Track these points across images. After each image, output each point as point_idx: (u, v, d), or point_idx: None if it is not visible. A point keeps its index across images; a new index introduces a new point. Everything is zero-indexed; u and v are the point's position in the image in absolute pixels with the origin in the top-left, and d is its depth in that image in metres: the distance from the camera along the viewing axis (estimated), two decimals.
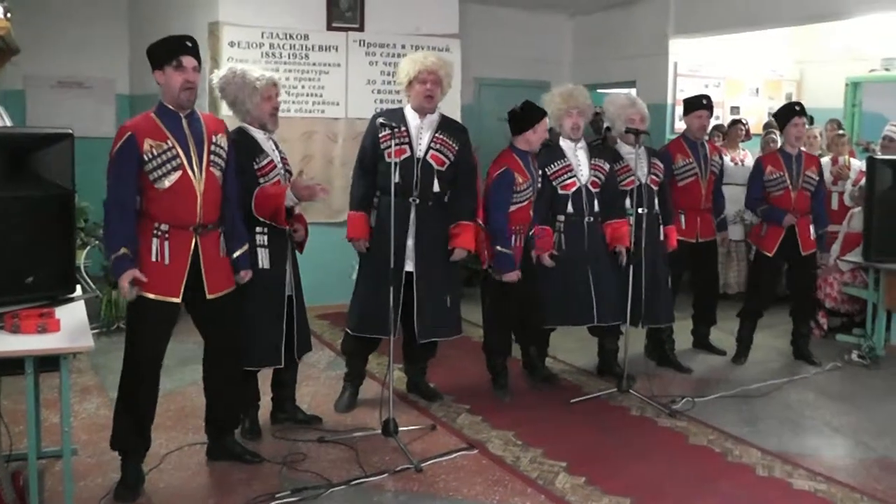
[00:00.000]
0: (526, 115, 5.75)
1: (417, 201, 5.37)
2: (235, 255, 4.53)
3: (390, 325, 5.17)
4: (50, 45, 9.24)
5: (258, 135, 4.94)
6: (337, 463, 4.81)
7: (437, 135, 5.44)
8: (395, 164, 5.11)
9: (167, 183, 4.18)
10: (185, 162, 4.22)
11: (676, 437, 5.34)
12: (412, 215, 5.36)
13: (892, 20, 8.62)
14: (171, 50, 4.21)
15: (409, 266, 5.39)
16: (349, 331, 5.58)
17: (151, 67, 4.28)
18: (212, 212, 4.36)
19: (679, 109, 9.74)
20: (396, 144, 5.20)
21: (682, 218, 6.79)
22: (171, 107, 4.26)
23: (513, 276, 5.63)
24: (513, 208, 5.68)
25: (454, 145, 5.47)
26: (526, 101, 5.83)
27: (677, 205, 6.72)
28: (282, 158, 5.04)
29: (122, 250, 4.10)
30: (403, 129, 5.32)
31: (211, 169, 4.32)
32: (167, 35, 4.30)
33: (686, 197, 6.78)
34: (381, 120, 5.16)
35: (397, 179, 5.10)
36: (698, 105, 6.84)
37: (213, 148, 4.34)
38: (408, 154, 5.30)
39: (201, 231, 4.31)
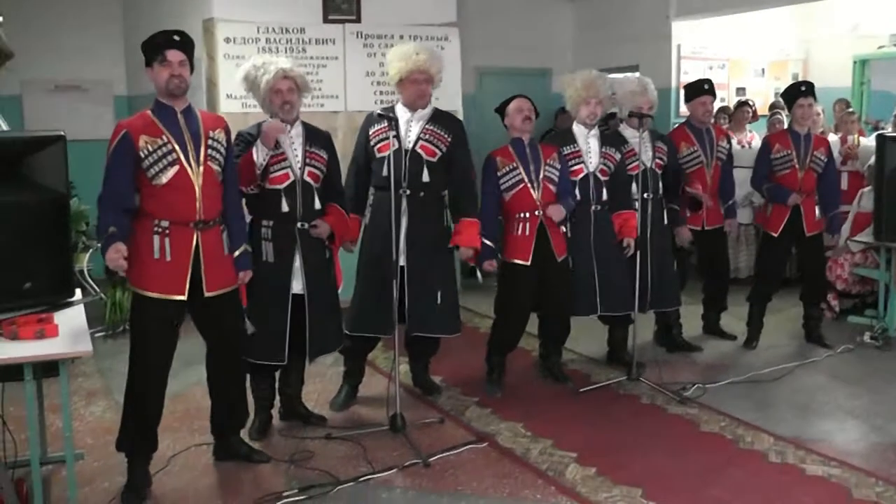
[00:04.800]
0: (499, 109, 5.81)
1: (408, 192, 5.27)
2: (235, 254, 4.49)
3: (389, 321, 5.13)
4: (46, 50, 9.21)
5: None
6: (344, 460, 4.77)
7: (427, 126, 5.36)
8: (387, 157, 5.08)
9: (164, 179, 4.16)
10: (182, 157, 4.19)
11: (687, 425, 5.29)
12: (403, 207, 5.26)
13: None
14: (157, 46, 4.19)
15: (402, 260, 5.31)
16: (346, 330, 5.47)
17: (146, 65, 4.25)
18: (212, 207, 4.31)
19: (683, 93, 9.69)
20: (386, 138, 5.18)
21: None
22: (165, 102, 4.24)
23: (487, 266, 5.58)
24: (508, 195, 5.62)
25: (447, 136, 5.38)
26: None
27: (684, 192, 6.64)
28: (307, 153, 4.94)
29: (111, 229, 4.03)
30: (392, 123, 5.24)
31: (209, 163, 4.28)
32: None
33: (692, 185, 6.68)
34: (377, 112, 5.13)
35: (386, 173, 5.05)
36: (700, 90, 6.71)
37: (210, 142, 4.30)
38: (396, 146, 5.22)
39: (202, 227, 4.26)
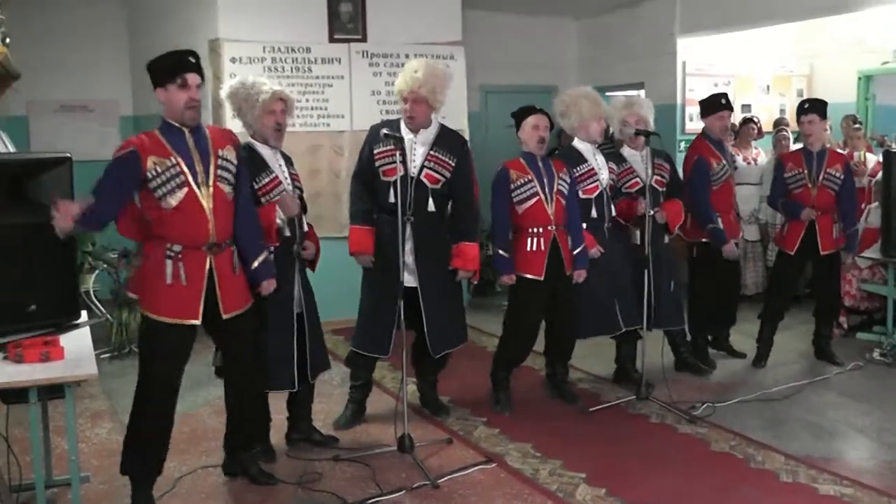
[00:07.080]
0: (516, 116, 5.70)
1: (413, 219, 5.25)
2: (254, 265, 4.42)
3: (389, 343, 5.20)
4: (52, 70, 9.19)
5: (264, 150, 4.86)
6: (353, 482, 4.73)
7: (431, 152, 5.31)
8: (393, 183, 5.04)
9: (173, 202, 4.05)
10: (191, 178, 4.09)
11: (697, 444, 5.24)
12: (409, 232, 5.24)
13: None
14: (174, 68, 4.07)
15: (412, 282, 5.29)
16: (352, 347, 5.52)
17: (153, 85, 4.12)
18: (224, 229, 4.23)
19: (689, 109, 9.67)
20: (391, 163, 5.12)
21: (720, 221, 6.54)
22: (174, 123, 4.13)
23: (506, 279, 5.58)
24: (521, 208, 5.57)
25: (450, 162, 5.34)
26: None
27: (713, 209, 6.53)
28: (291, 175, 4.95)
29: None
30: (398, 144, 5.18)
31: (219, 184, 4.18)
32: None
33: (722, 199, 6.58)
34: (385, 131, 5.07)
35: (392, 199, 5.01)
36: (718, 106, 6.61)
37: (219, 162, 4.21)
38: (402, 173, 5.15)
39: (215, 250, 4.18)
